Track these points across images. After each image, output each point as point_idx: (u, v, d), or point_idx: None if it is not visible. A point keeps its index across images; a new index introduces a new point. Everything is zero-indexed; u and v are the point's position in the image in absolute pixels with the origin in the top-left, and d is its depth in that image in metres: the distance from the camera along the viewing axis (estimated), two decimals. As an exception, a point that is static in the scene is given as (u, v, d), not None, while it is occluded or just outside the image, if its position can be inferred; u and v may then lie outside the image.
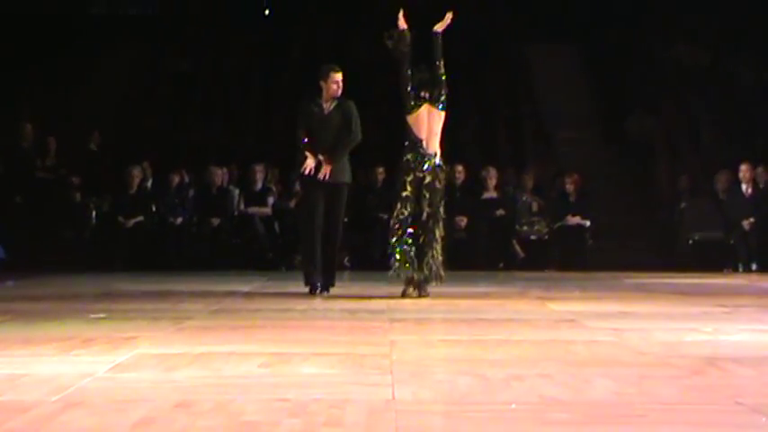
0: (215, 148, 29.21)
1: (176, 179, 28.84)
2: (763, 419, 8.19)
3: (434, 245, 18.68)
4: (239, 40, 31.75)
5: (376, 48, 21.71)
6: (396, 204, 18.87)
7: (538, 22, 34.57)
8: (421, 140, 18.57)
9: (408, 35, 18.98)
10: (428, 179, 18.40)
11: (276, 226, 28.66)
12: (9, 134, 28.74)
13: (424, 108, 18.76)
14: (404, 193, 18.50)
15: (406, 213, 18.61)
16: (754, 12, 32.04)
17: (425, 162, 18.54)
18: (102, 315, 15.87)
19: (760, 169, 28.64)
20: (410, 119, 18.86)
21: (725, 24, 32.21)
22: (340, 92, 19.20)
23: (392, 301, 18.71)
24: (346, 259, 27.97)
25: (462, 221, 28.29)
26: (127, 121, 30.15)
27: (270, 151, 29.29)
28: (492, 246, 28.56)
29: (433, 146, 18.76)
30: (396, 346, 12.44)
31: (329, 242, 19.90)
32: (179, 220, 28.58)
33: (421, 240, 18.74)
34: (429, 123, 18.75)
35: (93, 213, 28.71)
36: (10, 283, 22.49)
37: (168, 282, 22.10)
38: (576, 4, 34.74)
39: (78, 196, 28.78)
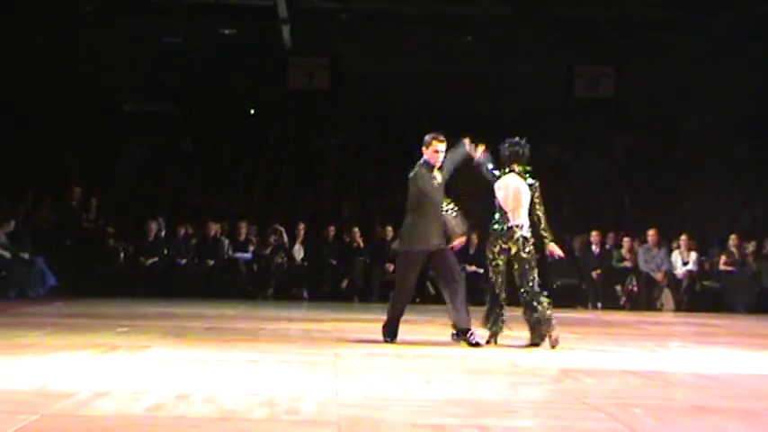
0: (211, 209, 29.14)
1: (182, 231, 28.83)
2: (602, 415, 8.31)
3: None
4: (231, 131, 31.61)
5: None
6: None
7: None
8: (506, 212, 15.17)
9: (483, 165, 15.49)
10: (514, 250, 15.02)
11: (254, 267, 28.63)
12: (62, 195, 28.68)
13: (510, 179, 15.25)
14: (493, 262, 15.31)
15: (494, 280, 15.34)
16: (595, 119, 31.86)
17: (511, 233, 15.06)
18: (125, 329, 15.92)
19: (610, 235, 28.78)
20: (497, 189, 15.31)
21: (582, 129, 32.00)
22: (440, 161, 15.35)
23: (338, 324, 18.74)
24: (305, 293, 27.89)
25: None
26: (146, 187, 30.02)
27: (251, 212, 29.23)
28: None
29: (519, 217, 15.13)
30: (339, 357, 12.55)
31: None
32: (183, 261, 28.58)
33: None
34: (515, 195, 15.19)
35: (122, 254, 28.66)
36: (59, 304, 22.42)
37: (175, 306, 22.05)
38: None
39: (111, 241, 28.74)
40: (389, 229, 28.89)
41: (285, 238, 28.86)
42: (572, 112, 31.90)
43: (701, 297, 28.08)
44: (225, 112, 31.83)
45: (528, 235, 15.05)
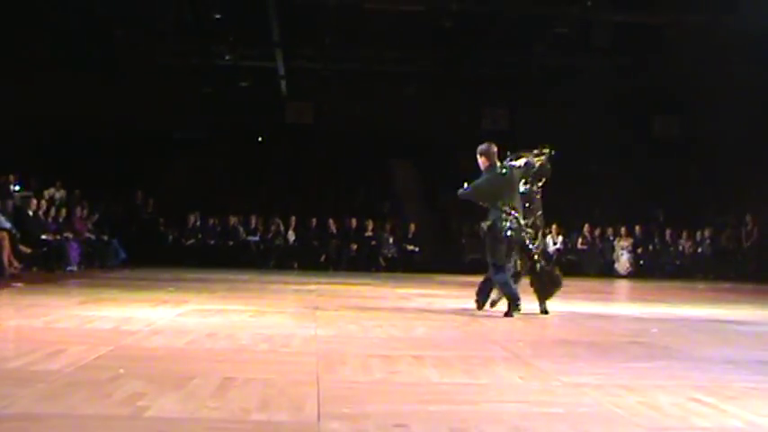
0: (232, 206, 29.11)
1: (211, 221, 28.81)
2: (498, 347, 8.38)
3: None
4: (245, 153, 31.54)
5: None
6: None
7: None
8: None
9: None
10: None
11: (261, 246, 28.64)
12: (130, 197, 28.76)
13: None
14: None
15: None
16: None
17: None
18: (172, 288, 15.88)
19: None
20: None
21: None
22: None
23: (318, 286, 18.73)
24: (295, 264, 27.90)
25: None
26: (187, 191, 29.98)
27: (259, 209, 29.22)
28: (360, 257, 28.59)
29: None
30: (318, 309, 12.58)
31: None
32: (212, 242, 28.54)
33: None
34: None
35: (170, 237, 28.60)
36: (128, 271, 22.42)
37: (206, 274, 22.01)
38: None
39: (162, 228, 28.71)
40: (354, 220, 29.00)
41: (282, 227, 28.94)
42: (482, 138, 31.81)
43: (565, 266, 28.09)
44: (241, 139, 31.76)
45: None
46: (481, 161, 13.07)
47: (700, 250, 28.83)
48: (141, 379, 6.11)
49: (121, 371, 6.40)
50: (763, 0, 23.66)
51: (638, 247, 29.07)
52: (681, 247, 29.15)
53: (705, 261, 28.48)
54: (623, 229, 28.87)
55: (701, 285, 21.59)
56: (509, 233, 12.63)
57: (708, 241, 29.02)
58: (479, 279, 13.04)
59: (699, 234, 28.92)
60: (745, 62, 27.07)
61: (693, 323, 11.01)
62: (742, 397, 6.12)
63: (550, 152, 13.48)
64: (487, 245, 12.96)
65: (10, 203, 21.24)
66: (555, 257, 28.20)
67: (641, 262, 28.92)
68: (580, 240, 29.05)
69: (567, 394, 6.10)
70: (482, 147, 13.21)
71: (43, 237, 22.03)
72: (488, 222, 12.76)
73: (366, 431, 4.79)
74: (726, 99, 27.74)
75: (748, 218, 28.79)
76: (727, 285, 23.84)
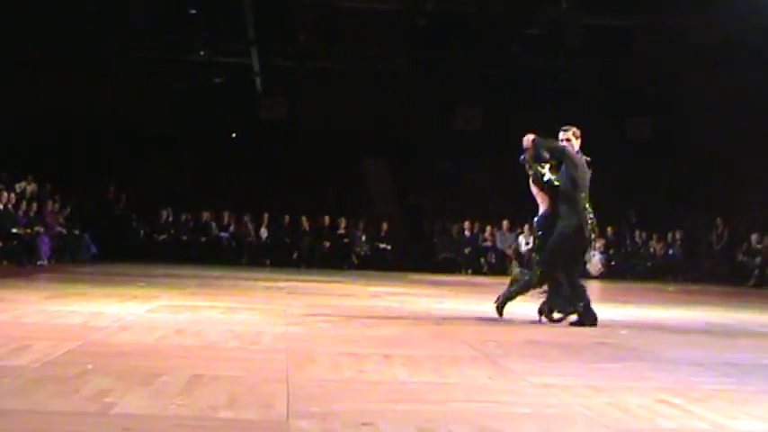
0: (205, 202, 29.07)
1: (184, 216, 28.78)
2: (467, 346, 8.39)
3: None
4: (220, 148, 31.48)
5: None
6: None
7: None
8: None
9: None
10: None
11: (233, 243, 28.61)
12: (102, 192, 28.66)
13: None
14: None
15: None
16: (470, 143, 31.86)
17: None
18: (143, 284, 15.86)
19: (477, 223, 28.87)
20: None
21: (461, 149, 31.91)
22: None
23: (289, 283, 18.71)
24: (267, 261, 27.88)
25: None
26: (160, 187, 29.90)
27: (232, 205, 29.19)
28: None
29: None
30: (289, 306, 12.58)
31: None
32: (184, 237, 28.50)
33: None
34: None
35: (142, 232, 28.55)
36: (99, 266, 22.35)
37: (177, 269, 21.99)
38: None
39: (134, 224, 28.65)
40: (326, 218, 29.00)
41: (250, 225, 28.98)
42: (453, 139, 31.87)
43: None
44: (216, 135, 31.70)
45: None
46: (576, 143, 11.56)
47: (671, 252, 28.92)
48: (109, 375, 6.09)
49: (89, 367, 6.38)
50: (734, 4, 23.80)
51: (609, 249, 29.15)
52: (652, 249, 29.24)
53: (676, 263, 28.56)
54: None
55: (671, 287, 21.69)
56: (592, 235, 11.70)
57: (679, 243, 29.13)
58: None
59: (670, 236, 29.01)
60: (717, 65, 27.19)
61: (662, 325, 11.04)
62: (708, 399, 6.16)
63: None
64: (556, 245, 11.36)
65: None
66: (527, 257, 28.42)
67: (612, 263, 28.99)
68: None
69: (534, 394, 6.13)
70: (573, 128, 11.64)
71: (14, 230, 21.96)
72: (569, 221, 11.29)
73: (334, 430, 4.79)
74: (698, 102, 27.88)
75: (719, 221, 28.91)
76: (696, 287, 23.94)
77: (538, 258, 11.72)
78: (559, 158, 11.53)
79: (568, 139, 11.48)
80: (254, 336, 8.72)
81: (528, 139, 11.75)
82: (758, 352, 9.45)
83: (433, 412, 5.39)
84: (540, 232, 11.76)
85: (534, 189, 11.75)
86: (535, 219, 11.82)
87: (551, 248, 11.37)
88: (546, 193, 11.55)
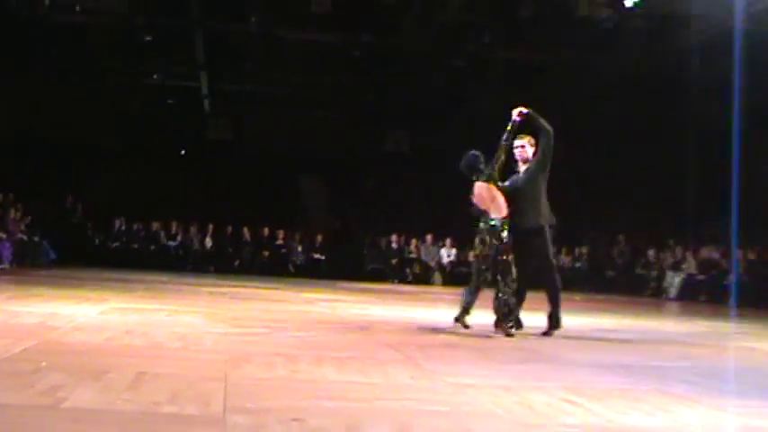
0: (155, 213, 28.89)
1: (135, 226, 28.62)
2: (391, 350, 8.39)
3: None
4: (169, 164, 31.31)
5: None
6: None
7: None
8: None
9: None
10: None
11: (180, 251, 28.46)
12: (61, 202, 28.38)
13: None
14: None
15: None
16: (395, 163, 31.92)
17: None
18: (96, 288, 15.72)
19: (403, 236, 28.92)
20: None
21: (391, 169, 32.02)
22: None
23: (231, 289, 18.63)
24: (212, 268, 27.72)
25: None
26: (113, 198, 29.67)
27: (179, 215, 29.02)
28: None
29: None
30: (230, 310, 12.53)
31: None
32: (135, 245, 28.31)
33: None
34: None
35: (97, 240, 28.30)
36: (56, 270, 22.12)
37: (128, 274, 21.81)
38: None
39: (90, 232, 28.38)
40: (266, 229, 28.93)
41: (196, 236, 28.83)
42: (384, 159, 31.96)
43: (458, 277, 28.33)
44: (166, 152, 31.57)
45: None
46: (530, 150, 10.95)
47: (578, 265, 29.15)
48: (62, 372, 6.03)
49: (44, 364, 6.31)
50: (635, 42, 24.13)
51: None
52: (561, 262, 29.45)
53: (582, 275, 28.79)
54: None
55: (577, 297, 21.81)
56: None
57: (585, 257, 29.37)
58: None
59: (577, 250, 29.25)
60: (619, 98, 27.56)
61: (569, 330, 11.11)
62: (606, 397, 6.21)
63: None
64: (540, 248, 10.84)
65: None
66: (449, 268, 28.56)
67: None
68: (472, 253, 29.16)
69: (451, 393, 6.14)
70: (528, 136, 10.97)
71: (-23, 236, 21.75)
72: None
73: (267, 424, 4.77)
74: (598, 131, 28.15)
75: (621, 237, 29.24)
76: (601, 297, 24.15)
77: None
78: (547, 140, 10.83)
79: (523, 146, 10.98)
80: (197, 337, 8.66)
81: (521, 110, 10.88)
82: (651, 355, 9.57)
83: (358, 409, 5.39)
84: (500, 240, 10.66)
85: (488, 194, 10.68)
86: (492, 223, 10.67)
87: (549, 253, 10.90)
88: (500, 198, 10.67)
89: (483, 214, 10.79)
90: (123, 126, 31.03)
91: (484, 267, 10.96)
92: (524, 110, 10.85)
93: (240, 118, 31.82)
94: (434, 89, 29.76)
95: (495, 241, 10.67)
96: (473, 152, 10.88)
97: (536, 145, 10.94)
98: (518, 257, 10.67)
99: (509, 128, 10.80)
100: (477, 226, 10.92)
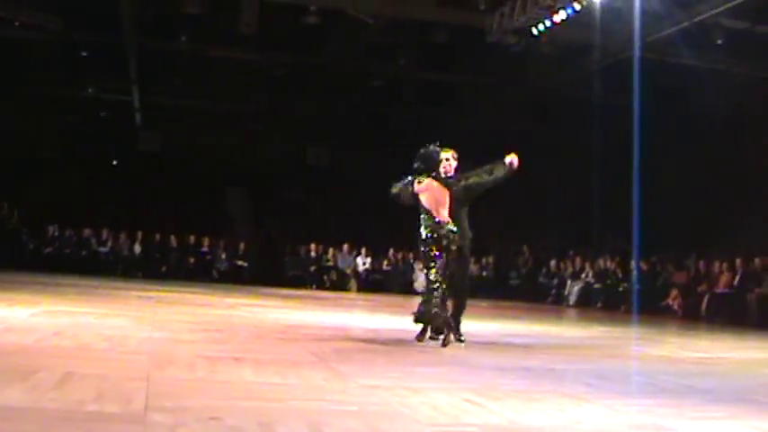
0: (86, 220, 28.52)
1: (67, 232, 28.21)
2: (306, 352, 8.35)
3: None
4: (101, 174, 31.02)
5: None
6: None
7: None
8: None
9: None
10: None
11: (111, 257, 28.15)
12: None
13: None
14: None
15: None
16: (318, 177, 31.91)
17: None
18: (28, 292, 15.48)
19: (321, 245, 28.86)
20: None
21: (311, 181, 32.02)
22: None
23: (158, 293, 18.45)
24: (140, 273, 27.43)
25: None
26: (47, 206, 29.29)
27: (109, 223, 28.69)
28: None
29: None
30: (156, 313, 12.44)
31: None
32: (67, 251, 27.91)
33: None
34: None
35: (31, 246, 27.88)
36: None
37: (60, 279, 21.52)
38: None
39: (25, 238, 27.95)
40: (192, 237, 28.72)
41: (125, 242, 28.54)
42: (304, 172, 32.01)
43: (372, 284, 28.41)
44: (99, 162, 31.31)
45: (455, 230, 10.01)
46: (454, 163, 10.59)
47: (484, 273, 29.33)
48: (-10, 371, 5.94)
49: (-28, 364, 6.22)
50: (546, 67, 24.46)
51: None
52: (470, 270, 29.60)
53: (489, 283, 28.96)
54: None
55: (484, 303, 21.95)
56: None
57: (491, 266, 29.57)
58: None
59: (484, 259, 29.43)
60: (530, 117, 27.90)
61: (475, 335, 11.18)
62: (506, 398, 6.27)
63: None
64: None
65: None
66: (364, 275, 28.58)
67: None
68: (386, 262, 29.26)
69: (361, 394, 6.14)
70: (452, 150, 10.64)
71: None
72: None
73: (185, 423, 4.74)
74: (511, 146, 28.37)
75: (525, 248, 29.52)
76: (506, 304, 24.33)
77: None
78: (493, 182, 10.60)
79: (448, 159, 10.50)
80: (123, 339, 8.57)
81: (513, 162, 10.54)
82: (550, 358, 9.65)
83: (273, 409, 5.38)
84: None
85: (441, 197, 10.10)
86: (453, 229, 9.99)
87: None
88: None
89: (428, 214, 9.96)
90: (58, 137, 30.71)
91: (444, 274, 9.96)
92: (516, 163, 10.52)
93: (169, 131, 31.66)
94: (354, 107, 29.89)
95: (453, 247, 9.97)
96: (435, 148, 10.27)
97: (458, 160, 10.65)
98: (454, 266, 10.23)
99: (502, 169, 10.53)
100: (433, 233, 9.93)
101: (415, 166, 10.21)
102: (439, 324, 9.89)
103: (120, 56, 26.19)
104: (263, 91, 29.79)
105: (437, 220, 9.93)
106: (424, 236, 9.96)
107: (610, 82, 23.64)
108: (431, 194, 10.06)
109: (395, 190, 10.38)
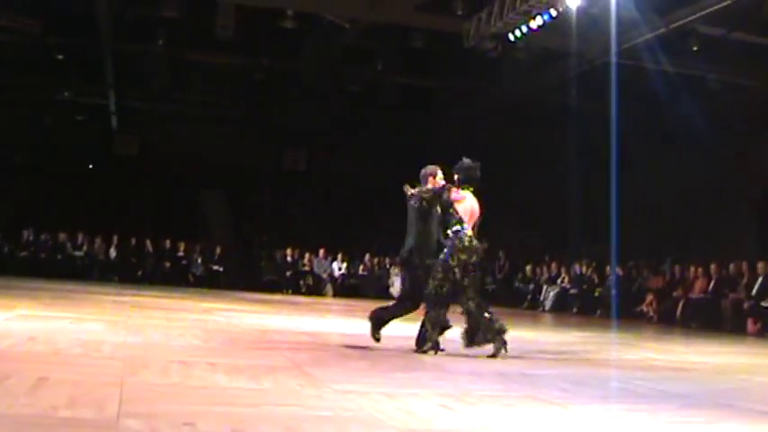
0: (62, 224, 28.38)
1: (43, 237, 28.07)
2: (281, 357, 8.34)
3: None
4: (77, 178, 30.91)
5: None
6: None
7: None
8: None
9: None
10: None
11: (86, 261, 28.04)
12: None
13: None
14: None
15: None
16: (296, 182, 31.88)
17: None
18: (3, 296, 15.39)
19: (297, 250, 28.80)
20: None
21: (288, 187, 32.00)
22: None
23: (134, 298, 18.40)
24: (116, 277, 27.31)
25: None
26: (22, 211, 29.14)
27: (85, 227, 28.55)
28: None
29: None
30: (130, 318, 12.39)
31: None
32: (43, 255, 27.77)
33: None
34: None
35: (6, 249, 27.71)
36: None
37: (36, 283, 21.41)
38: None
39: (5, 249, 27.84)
40: (168, 241, 28.62)
41: (101, 247, 28.42)
42: (281, 177, 32.03)
43: (348, 289, 28.41)
44: (74, 166, 31.20)
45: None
46: (439, 180, 10.42)
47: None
48: (-37, 377, 5.90)
49: (-55, 369, 6.17)
50: (523, 73, 24.52)
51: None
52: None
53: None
54: (397, 259, 29.21)
55: (459, 309, 21.97)
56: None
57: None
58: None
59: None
60: (507, 123, 27.97)
61: (449, 341, 11.14)
62: (480, 403, 6.29)
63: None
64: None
65: None
66: (340, 280, 28.57)
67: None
68: (361, 267, 29.26)
69: (336, 399, 6.13)
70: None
71: None
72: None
73: (159, 428, 4.72)
74: (496, 153, 28.47)
75: (501, 253, 29.56)
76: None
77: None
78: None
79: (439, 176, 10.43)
80: (97, 344, 8.53)
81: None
82: (525, 364, 9.65)
83: (247, 414, 5.36)
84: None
85: (477, 217, 10.39)
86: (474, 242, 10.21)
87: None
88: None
89: (461, 223, 10.12)
90: (34, 140, 30.57)
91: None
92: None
93: (146, 135, 31.59)
94: (331, 111, 29.89)
95: (475, 259, 10.19)
96: (476, 163, 10.35)
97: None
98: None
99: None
100: (463, 241, 10.10)
101: (456, 177, 10.28)
102: (491, 333, 10.13)
103: (97, 59, 26.11)
104: (240, 95, 29.76)
105: (468, 229, 10.13)
106: (466, 243, 10.07)
107: (586, 88, 23.73)
108: (469, 206, 10.24)
109: (424, 193, 10.25)
